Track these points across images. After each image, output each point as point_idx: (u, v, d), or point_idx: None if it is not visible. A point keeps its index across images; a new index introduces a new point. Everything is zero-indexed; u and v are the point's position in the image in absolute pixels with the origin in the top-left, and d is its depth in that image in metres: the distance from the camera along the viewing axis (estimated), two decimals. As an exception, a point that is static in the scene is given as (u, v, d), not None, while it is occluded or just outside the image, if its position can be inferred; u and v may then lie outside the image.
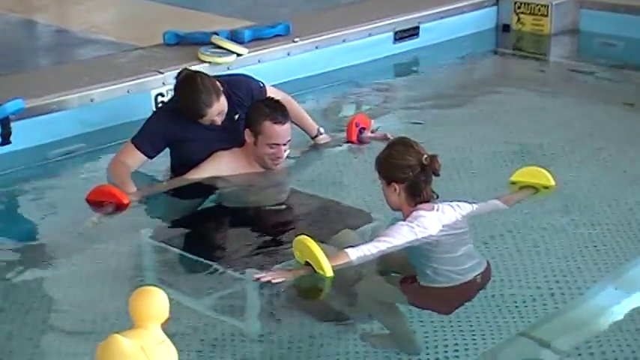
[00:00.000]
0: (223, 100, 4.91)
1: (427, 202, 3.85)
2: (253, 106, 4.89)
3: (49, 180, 5.50)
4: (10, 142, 5.64)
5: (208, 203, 4.91)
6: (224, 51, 6.64)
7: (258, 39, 6.99)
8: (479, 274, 3.84)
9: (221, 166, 4.89)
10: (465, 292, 3.85)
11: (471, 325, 3.88)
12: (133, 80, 6.24)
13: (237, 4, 9.41)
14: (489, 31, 8.56)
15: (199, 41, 6.79)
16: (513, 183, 4.58)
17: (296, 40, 7.12)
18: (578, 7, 8.48)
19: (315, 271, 3.74)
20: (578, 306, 4.17)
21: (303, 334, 3.89)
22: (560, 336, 3.87)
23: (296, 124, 5.31)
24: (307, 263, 3.80)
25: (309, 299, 4.07)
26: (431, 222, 3.78)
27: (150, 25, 8.22)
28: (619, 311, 4.02)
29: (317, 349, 3.82)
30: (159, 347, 3.13)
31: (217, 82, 4.96)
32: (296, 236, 3.99)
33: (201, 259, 4.28)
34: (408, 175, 3.81)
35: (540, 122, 6.28)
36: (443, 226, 3.79)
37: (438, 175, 3.86)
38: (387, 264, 3.95)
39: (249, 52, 6.73)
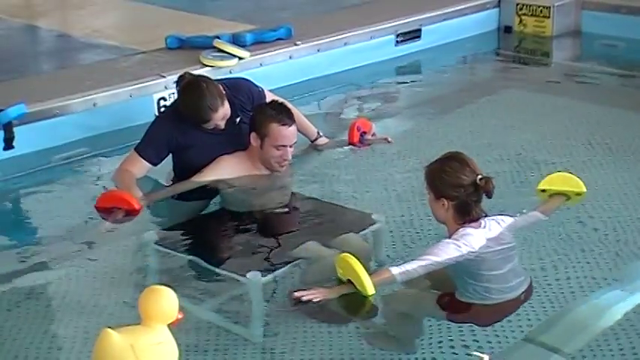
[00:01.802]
0: (227, 104, 4.91)
1: (475, 221, 3.72)
2: (258, 109, 4.88)
3: (52, 184, 5.51)
4: (13, 147, 5.65)
5: (212, 207, 4.91)
6: (226, 54, 6.65)
7: (260, 42, 7.00)
8: (523, 292, 3.75)
9: (224, 170, 4.89)
10: (508, 308, 3.76)
11: (475, 329, 3.88)
12: (135, 84, 6.26)
13: (239, 7, 9.42)
14: (491, 33, 8.57)
15: (201, 45, 6.81)
16: (543, 190, 4.41)
17: (298, 43, 7.13)
18: (580, 9, 8.50)
19: (357, 289, 3.66)
20: (582, 308, 4.17)
21: (307, 338, 3.90)
22: (565, 339, 3.86)
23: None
24: (349, 281, 3.70)
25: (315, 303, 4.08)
26: (478, 240, 3.65)
27: (152, 29, 8.23)
28: (623, 313, 4.01)
29: (319, 352, 3.82)
30: (152, 347, 3.13)
31: (220, 87, 4.96)
32: (301, 240, 4.02)
33: (205, 263, 4.29)
34: (460, 193, 3.67)
35: (543, 124, 6.29)
36: (490, 244, 3.66)
37: (490, 197, 3.71)
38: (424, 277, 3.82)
39: (251, 56, 6.75)
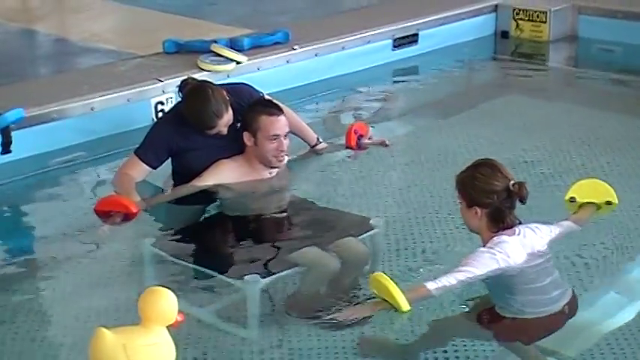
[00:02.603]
0: (230, 110, 4.92)
1: (510, 228, 3.64)
2: (246, 110, 4.92)
3: (49, 189, 5.51)
4: (10, 151, 5.65)
5: (210, 211, 4.91)
6: (223, 59, 6.65)
7: (257, 47, 7.00)
8: (566, 304, 3.67)
9: (224, 174, 4.90)
10: (553, 322, 3.66)
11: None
12: (132, 89, 6.25)
13: (237, 12, 9.43)
14: (488, 38, 8.58)
15: (199, 49, 6.81)
16: (572, 199, 4.33)
17: (295, 47, 7.13)
18: (577, 14, 8.50)
19: (392, 306, 3.61)
20: (582, 313, 4.16)
21: (306, 343, 3.89)
22: (561, 342, 3.85)
23: (295, 134, 5.31)
24: (385, 300, 3.66)
25: (311, 307, 4.08)
26: (513, 248, 3.58)
27: (149, 33, 8.24)
28: (619, 316, 4.01)
29: (317, 357, 3.83)
30: (145, 348, 3.15)
31: (224, 92, 4.97)
32: (301, 247, 4.13)
33: (203, 268, 4.29)
34: (493, 200, 3.60)
35: (540, 128, 6.29)
36: (525, 252, 3.58)
37: (524, 203, 3.65)
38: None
39: (248, 60, 6.75)
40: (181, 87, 5.09)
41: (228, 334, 4.00)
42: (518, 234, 3.63)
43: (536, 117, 6.61)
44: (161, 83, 6.31)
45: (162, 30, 8.06)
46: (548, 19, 8.35)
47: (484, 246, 3.64)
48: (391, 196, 5.28)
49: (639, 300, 4.18)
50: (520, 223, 3.68)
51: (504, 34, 8.59)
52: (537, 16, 8.41)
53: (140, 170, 4.96)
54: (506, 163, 5.45)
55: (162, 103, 6.23)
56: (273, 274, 4.14)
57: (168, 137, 4.95)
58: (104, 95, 6.13)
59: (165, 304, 3.23)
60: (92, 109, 6.06)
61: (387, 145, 5.70)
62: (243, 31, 7.67)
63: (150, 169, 4.98)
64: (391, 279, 3.65)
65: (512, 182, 3.62)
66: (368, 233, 4.46)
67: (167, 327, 3.28)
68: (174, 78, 6.07)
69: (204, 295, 4.23)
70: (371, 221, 4.55)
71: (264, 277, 4.07)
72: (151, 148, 4.96)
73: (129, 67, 6.81)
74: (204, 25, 8.62)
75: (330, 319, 3.76)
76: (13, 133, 5.63)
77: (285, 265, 4.19)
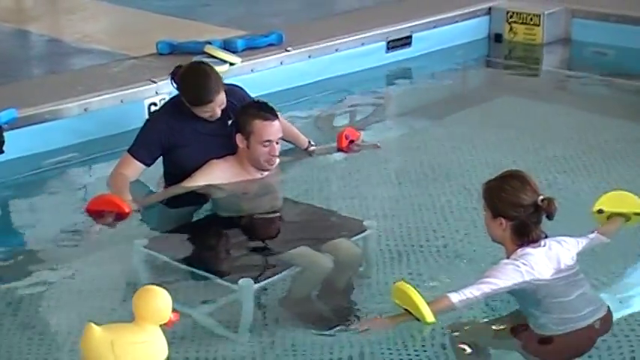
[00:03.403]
0: (224, 93, 4.95)
1: (534, 242, 3.59)
2: (241, 110, 4.92)
3: (42, 189, 5.51)
4: (3, 152, 5.63)
5: (202, 212, 4.91)
6: (217, 60, 6.64)
7: (251, 48, 7.01)
8: (597, 320, 3.58)
9: (216, 175, 4.90)
10: (583, 339, 3.58)
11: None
12: (126, 90, 6.25)
13: (231, 13, 9.43)
14: (482, 41, 8.60)
15: (193, 51, 6.81)
16: (599, 211, 4.28)
17: (289, 49, 7.13)
18: (570, 17, 8.53)
19: (415, 318, 3.54)
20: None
21: (299, 345, 3.89)
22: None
23: (286, 140, 5.30)
24: (407, 310, 3.58)
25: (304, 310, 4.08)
26: (538, 260, 3.53)
27: (143, 34, 8.23)
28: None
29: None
30: (133, 346, 3.16)
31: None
32: (296, 247, 4.12)
33: (195, 269, 4.28)
34: (519, 213, 3.54)
35: (533, 132, 6.30)
36: (551, 264, 3.53)
37: (551, 219, 3.58)
38: None
39: (242, 62, 6.75)
40: (174, 73, 5.09)
41: (221, 336, 3.99)
42: (544, 246, 3.59)
43: (529, 120, 6.63)
44: (155, 84, 6.31)
45: (156, 31, 8.05)
46: (541, 22, 8.37)
47: (508, 258, 3.60)
48: (384, 198, 5.28)
49: (631, 302, 4.17)
50: (546, 237, 3.63)
51: (498, 37, 8.61)
52: (531, 19, 8.43)
53: (134, 168, 4.96)
54: (500, 166, 5.59)
55: (155, 104, 6.23)
56: (268, 276, 4.13)
57: (159, 132, 4.97)
58: (97, 96, 6.14)
59: (159, 303, 3.23)
60: (85, 109, 6.06)
61: (378, 147, 5.70)
62: (236, 33, 7.67)
63: (143, 166, 4.98)
64: (415, 289, 3.59)
65: (541, 197, 3.57)
66: (361, 235, 4.46)
67: (161, 326, 3.28)
68: (168, 79, 6.06)
69: (196, 296, 4.22)
70: (365, 223, 4.55)
71: (258, 279, 4.06)
72: (143, 145, 4.97)
73: (122, 68, 6.81)
74: (197, 27, 8.62)
75: (353, 329, 3.73)
76: (6, 134, 5.62)
77: (278, 267, 4.18)
